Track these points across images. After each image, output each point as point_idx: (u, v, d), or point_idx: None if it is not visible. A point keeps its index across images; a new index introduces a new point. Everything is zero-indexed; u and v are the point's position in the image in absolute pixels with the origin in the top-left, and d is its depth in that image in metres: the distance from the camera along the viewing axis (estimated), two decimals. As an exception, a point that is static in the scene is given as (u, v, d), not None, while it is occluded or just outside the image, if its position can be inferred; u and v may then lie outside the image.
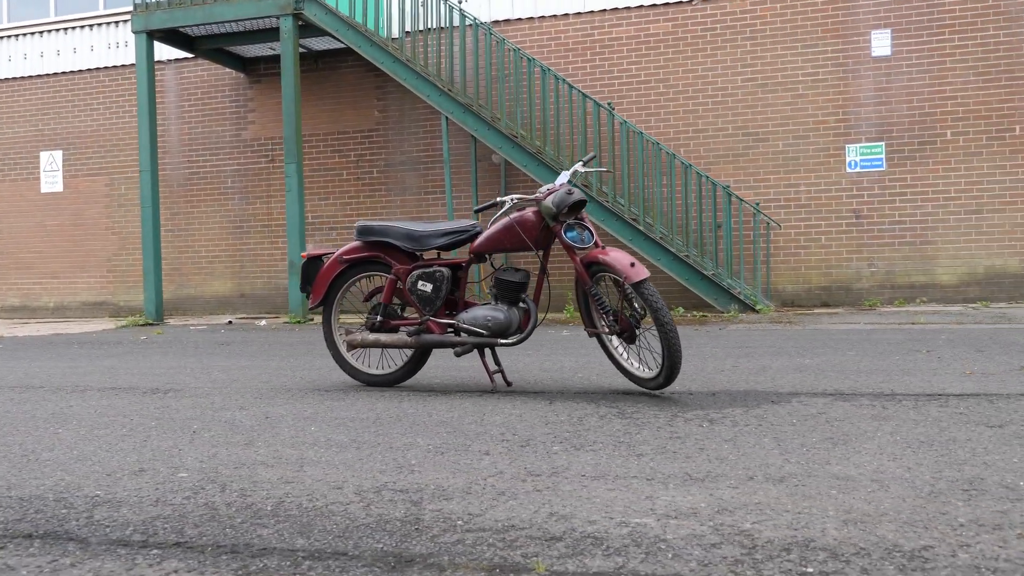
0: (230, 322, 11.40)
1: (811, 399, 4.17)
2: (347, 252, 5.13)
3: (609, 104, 10.72)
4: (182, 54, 13.28)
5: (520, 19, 12.04)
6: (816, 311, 10.27)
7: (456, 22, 11.25)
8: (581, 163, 4.88)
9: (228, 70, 13.26)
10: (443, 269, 4.84)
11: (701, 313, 10.03)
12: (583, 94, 10.56)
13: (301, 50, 12.49)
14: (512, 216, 4.72)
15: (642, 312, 4.47)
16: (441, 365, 5.91)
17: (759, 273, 10.73)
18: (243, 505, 2.57)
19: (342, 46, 12.32)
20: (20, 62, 14.59)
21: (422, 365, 5.04)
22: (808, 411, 3.85)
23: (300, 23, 10.97)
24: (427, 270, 4.85)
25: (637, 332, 4.45)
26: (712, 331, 7.97)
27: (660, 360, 4.35)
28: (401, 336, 4.91)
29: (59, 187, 14.29)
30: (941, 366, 5.17)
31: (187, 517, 2.46)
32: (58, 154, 14.25)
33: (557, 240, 4.67)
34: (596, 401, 4.30)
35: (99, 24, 14.09)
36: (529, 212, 4.71)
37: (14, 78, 14.67)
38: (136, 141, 13.72)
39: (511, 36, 11.86)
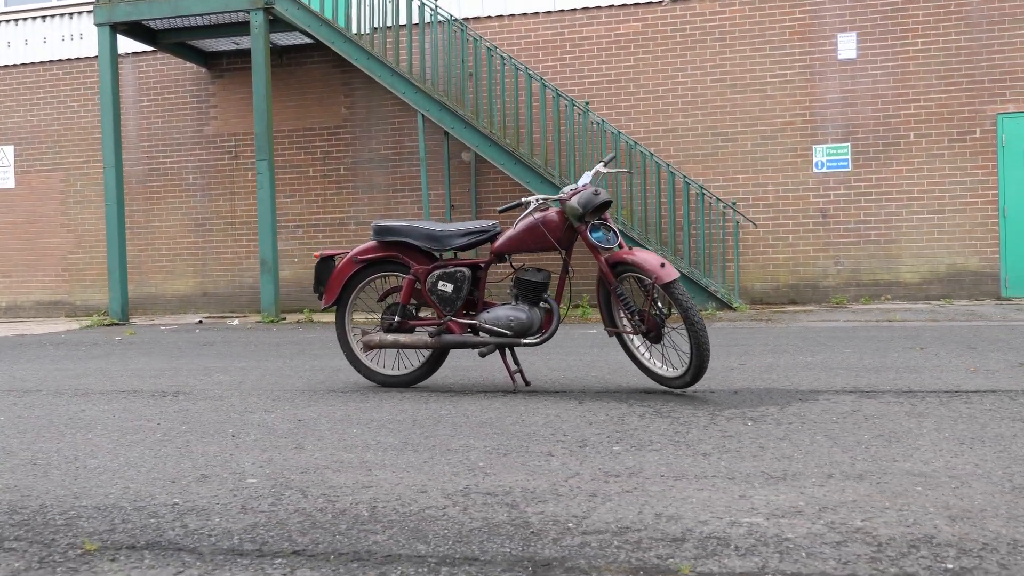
0: (200, 321, 11.18)
1: (836, 396, 4.26)
2: (362, 252, 5.08)
3: (585, 103, 10.79)
4: (140, 47, 12.96)
5: (490, 17, 12.03)
6: (788, 308, 10.48)
7: (428, 19, 11.19)
8: (602, 164, 4.91)
9: (189, 64, 12.99)
10: (464, 269, 4.82)
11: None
12: (557, 92, 10.61)
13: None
14: (536, 216, 4.73)
15: (667, 311, 4.52)
16: (449, 365, 5.89)
17: (726, 272, 10.90)
18: (337, 511, 2.54)
19: (307, 41, 12.16)
20: (-33, 53, 14.08)
21: (439, 366, 5.02)
22: (841, 409, 3.94)
23: (270, 18, 10.79)
24: (448, 270, 4.83)
25: (664, 331, 4.49)
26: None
27: (687, 359, 4.41)
28: (421, 336, 4.88)
29: (11, 183, 13.84)
30: (943, 363, 5.33)
31: (287, 524, 2.42)
32: (9, 149, 13.79)
33: (580, 240, 4.69)
34: (625, 400, 4.34)
35: (52, 15, 13.66)
36: (553, 212, 4.73)
37: (-39, 69, 14.15)
38: (93, 136, 13.36)
39: (481, 34, 11.82)
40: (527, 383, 4.85)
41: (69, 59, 13.58)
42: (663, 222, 10.74)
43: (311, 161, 12.71)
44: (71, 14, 13.53)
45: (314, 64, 12.61)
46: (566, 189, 4.73)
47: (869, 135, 11.06)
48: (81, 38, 13.44)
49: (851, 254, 11.12)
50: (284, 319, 10.87)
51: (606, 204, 4.60)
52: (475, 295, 4.89)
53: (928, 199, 10.92)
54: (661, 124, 11.61)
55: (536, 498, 2.61)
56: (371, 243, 5.10)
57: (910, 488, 2.60)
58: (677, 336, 4.73)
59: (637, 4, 11.70)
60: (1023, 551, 2.02)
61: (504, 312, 4.73)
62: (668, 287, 4.33)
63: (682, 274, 9.93)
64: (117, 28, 11.05)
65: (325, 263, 5.17)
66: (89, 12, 13.29)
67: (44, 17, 13.71)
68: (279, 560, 2.13)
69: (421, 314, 5.15)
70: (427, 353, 5.02)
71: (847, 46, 11.10)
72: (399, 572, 2.02)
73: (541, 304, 4.77)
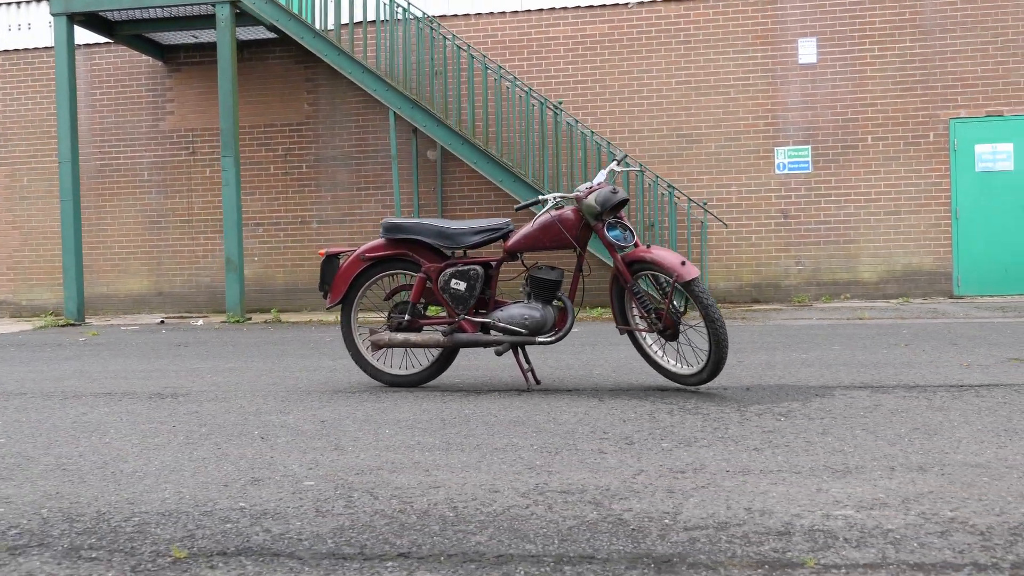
0: (161, 321, 10.89)
1: (850, 392, 4.35)
2: (370, 250, 5.01)
3: (559, 102, 10.82)
4: (93, 39, 12.57)
5: (456, 15, 11.97)
6: (756, 307, 10.66)
7: (394, 15, 11.09)
8: (615, 162, 4.92)
9: (145, 58, 12.65)
10: (477, 267, 4.79)
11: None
12: (527, 91, 10.61)
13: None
14: (552, 214, 4.72)
15: (682, 309, 4.56)
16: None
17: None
18: (418, 512, 2.50)
19: (270, 36, 11.96)
20: (-96, 42, 13.48)
21: (448, 366, 4.97)
22: (862, 403, 4.02)
23: (236, 12, 10.57)
24: (461, 268, 4.79)
25: (681, 329, 4.53)
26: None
27: (703, 356, 4.45)
28: (433, 335, 4.83)
29: (-48, 178, 13.29)
30: (933, 358, 5.48)
31: (374, 527, 2.37)
32: (-49, 143, 13.24)
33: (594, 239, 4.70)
34: (645, 397, 4.36)
35: (-3, 4, 13.17)
36: (568, 211, 4.73)
37: None
38: (41, 130, 12.92)
39: (447, 32, 11.75)
40: (537, 382, 4.84)
41: (16, 50, 13.10)
42: (632, 222, 10.82)
43: (272, 158, 12.49)
44: (19, 3, 13.06)
45: (276, 59, 12.39)
46: (581, 187, 4.74)
47: (828, 138, 11.31)
48: (30, 28, 12.98)
49: (811, 254, 11.36)
50: (250, 319, 10.66)
51: (623, 202, 4.61)
52: (487, 294, 4.86)
53: (885, 200, 11.22)
54: (627, 125, 11.70)
55: (615, 496, 2.60)
56: (379, 241, 5.03)
57: (976, 479, 2.67)
58: (691, 333, 4.75)
59: (604, 5, 11.77)
60: (1124, 538, 2.09)
61: (518, 310, 4.71)
62: (688, 285, 4.37)
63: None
64: (75, 19, 10.70)
65: (330, 261, 5.09)
66: (39, 1, 12.85)
67: (-12, 6, 13.20)
68: (389, 563, 2.08)
69: (428, 313, 5.10)
70: (436, 352, 4.97)
71: (807, 51, 11.34)
72: (522, 572, 2.00)
73: (554, 302, 4.76)
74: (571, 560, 2.06)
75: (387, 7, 10.92)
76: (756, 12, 11.45)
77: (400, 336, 4.87)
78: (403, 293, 5.13)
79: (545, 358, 6.02)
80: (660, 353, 4.75)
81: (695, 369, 4.53)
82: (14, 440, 3.73)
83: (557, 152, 10.77)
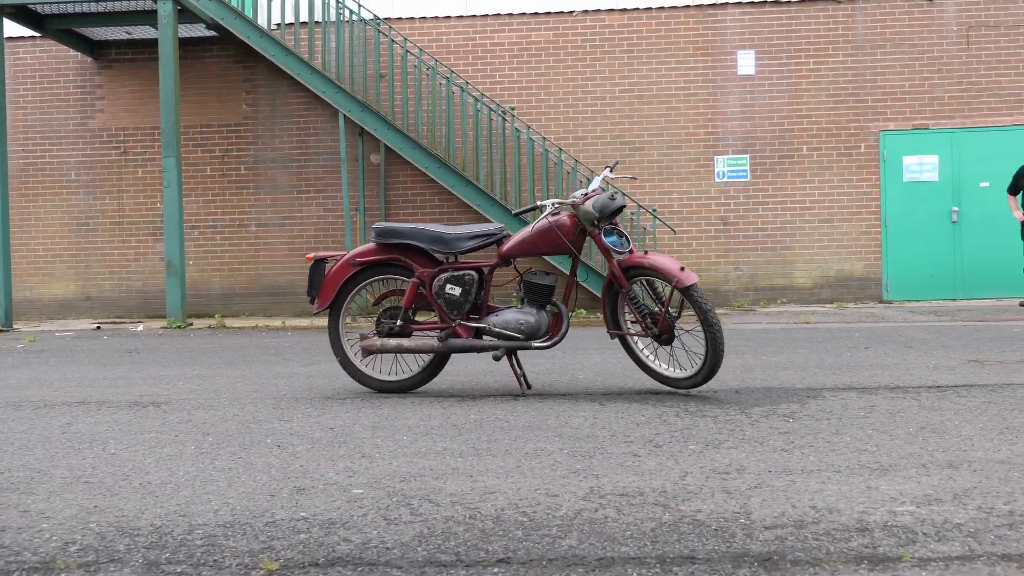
0: (98, 327, 10.50)
1: (839, 393, 4.50)
2: (360, 255, 4.95)
3: (511, 108, 10.87)
4: (16, 31, 12.04)
5: (400, 18, 11.90)
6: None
7: (340, 16, 10.98)
8: (608, 169, 5.00)
9: (73, 53, 12.18)
10: (472, 272, 4.79)
11: (598, 313, 10.38)
12: (476, 97, 10.63)
13: (158, 36, 11.70)
14: (550, 220, 4.76)
15: (676, 314, 4.65)
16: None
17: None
18: (492, 518, 2.50)
19: (207, 34, 11.67)
20: None
21: (439, 371, 4.96)
22: (857, 404, 4.17)
23: (178, 8, 10.28)
24: (456, 273, 4.78)
25: (676, 334, 4.62)
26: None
27: (701, 360, 4.54)
28: (427, 341, 4.81)
29: None
30: (899, 361, 5.71)
31: (455, 534, 2.36)
32: None
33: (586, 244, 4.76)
34: (642, 401, 4.43)
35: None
36: (565, 216, 4.77)
37: None
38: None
39: (391, 35, 11.68)
40: (529, 386, 4.86)
41: (-69, 42, 12.44)
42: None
43: (209, 159, 12.18)
44: (-64, -7, 12.40)
45: (213, 58, 12.10)
46: (577, 194, 4.79)
47: (766, 148, 11.66)
48: (-54, 20, 12.33)
49: (750, 260, 11.68)
50: (191, 324, 10.37)
51: (620, 209, 4.68)
52: (479, 299, 4.86)
53: (819, 209, 11.62)
54: (571, 131, 11.82)
55: (675, 497, 2.65)
56: (369, 246, 4.98)
57: (1007, 474, 2.81)
58: (683, 337, 4.84)
59: (549, 13, 11.87)
60: None
61: (513, 316, 4.73)
62: (687, 290, 4.46)
63: (603, 276, 10.15)
64: (3, 11, 10.24)
65: (318, 266, 5.01)
66: (-43, -8, 12.23)
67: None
68: (494, 569, 2.08)
69: (416, 318, 5.06)
70: (427, 358, 4.95)
71: (746, 63, 11.67)
72: (636, 574, 2.02)
73: (548, 307, 4.80)
74: (674, 561, 2.10)
75: (334, 8, 10.79)
76: (697, 24, 11.72)
77: (393, 341, 4.82)
78: (393, 299, 5.09)
79: (524, 363, 6.04)
80: (652, 357, 4.83)
81: (689, 373, 4.62)
82: (10, 452, 3.56)
83: (504, 157, 10.81)
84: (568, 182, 11.06)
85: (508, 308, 4.83)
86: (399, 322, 4.87)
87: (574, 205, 4.74)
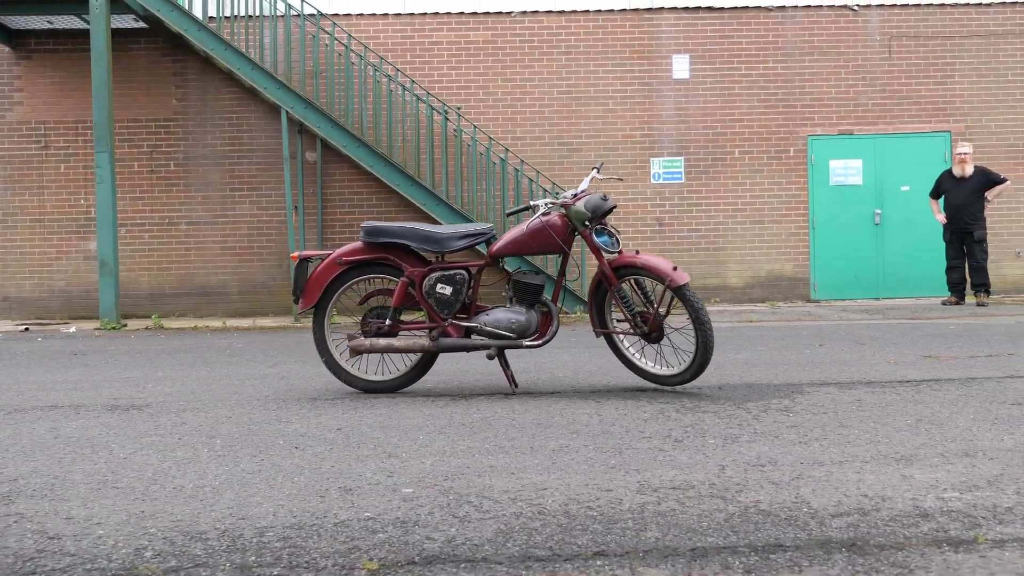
0: (26, 329, 10.02)
1: (821, 388, 4.69)
2: (347, 254, 4.90)
3: (457, 108, 10.86)
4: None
5: (336, 14, 11.75)
6: (637, 311, 11.08)
7: (277, 11, 10.78)
8: (596, 170, 5.08)
9: (-11, 42, 11.62)
10: (463, 272, 4.80)
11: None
12: (417, 96, 10.59)
13: (83, 27, 11.28)
14: (542, 220, 4.80)
15: (664, 313, 4.76)
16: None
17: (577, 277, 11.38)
18: (561, 512, 2.53)
19: (134, 26, 11.29)
20: None
21: (427, 371, 4.95)
22: (844, 399, 4.35)
23: (111, -1, 9.92)
24: (448, 273, 4.78)
25: (666, 332, 4.73)
26: (587, 331, 8.37)
27: (690, 357, 4.65)
28: (419, 340, 4.79)
29: None
30: (859, 357, 5.96)
31: (533, 529, 2.39)
32: None
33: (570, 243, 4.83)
34: (635, 398, 4.52)
35: None
36: (555, 216, 4.83)
37: None
38: None
39: (335, 31, 11.53)
40: (516, 385, 4.90)
41: None
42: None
43: (136, 155, 11.78)
44: None
45: (141, 51, 11.71)
46: (567, 194, 4.86)
47: (700, 150, 11.96)
48: None
49: (684, 260, 11.95)
50: (125, 325, 10.02)
51: (611, 209, 4.77)
52: (469, 298, 4.87)
53: (750, 211, 11.99)
54: (510, 132, 11.88)
55: (728, 489, 2.73)
56: (356, 245, 4.93)
57: (1022, 462, 2.99)
58: (671, 335, 4.94)
59: (487, 13, 11.91)
60: None
61: (504, 315, 4.76)
62: (680, 290, 4.57)
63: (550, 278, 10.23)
64: (-82, -4, 9.70)
65: (303, 265, 4.93)
66: None
67: None
68: (598, 561, 2.12)
69: (402, 318, 5.03)
70: (415, 358, 4.93)
71: (681, 67, 11.94)
72: (738, 563, 2.09)
73: (537, 306, 4.84)
74: (765, 549, 2.17)
75: (268, 2, 10.58)
76: (633, 27, 11.94)
77: (383, 341, 4.79)
78: (380, 298, 5.05)
79: (486, 362, 6.06)
80: (638, 355, 4.92)
81: (677, 370, 4.73)
82: (11, 458, 3.41)
83: (446, 157, 10.80)
84: (513, 183, 11.12)
85: (497, 307, 4.86)
86: (388, 321, 4.84)
87: (565, 206, 4.80)
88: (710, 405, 4.27)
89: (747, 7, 11.90)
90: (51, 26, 11.40)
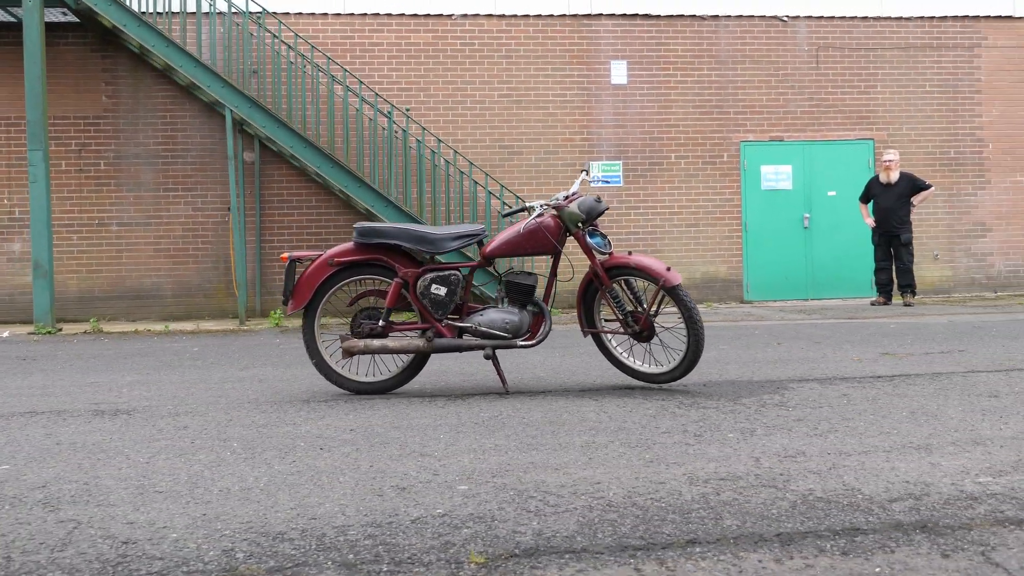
0: (-48, 334, 9.55)
1: (805, 384, 4.88)
2: (339, 255, 4.87)
3: (406, 109, 10.82)
4: None
5: (275, 13, 11.55)
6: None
7: (219, 7, 10.56)
8: (585, 173, 5.19)
9: (-97, 32, 11.02)
10: (457, 272, 4.82)
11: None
12: (361, 97, 10.52)
13: (9, 19, 10.83)
14: (537, 221, 4.86)
15: (655, 312, 4.88)
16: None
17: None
18: (634, 505, 2.60)
19: (62, 20, 10.89)
20: None
21: (418, 372, 4.95)
22: (831, 394, 4.55)
23: (44, -10, 9.55)
24: (442, 273, 4.79)
25: (657, 331, 4.85)
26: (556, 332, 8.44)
27: (679, 355, 4.78)
28: (413, 341, 4.79)
29: None
30: (824, 355, 6.22)
31: (617, 521, 2.45)
32: None
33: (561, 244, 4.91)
34: (629, 395, 4.63)
35: None
36: (548, 218, 4.90)
37: None
38: None
39: (267, 30, 11.34)
40: (506, 384, 4.94)
41: None
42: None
43: (64, 154, 11.35)
44: None
45: (69, 46, 11.28)
46: (559, 196, 4.94)
47: (638, 155, 12.21)
48: None
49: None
50: (61, 330, 9.65)
51: (604, 211, 4.87)
52: (461, 299, 4.90)
53: (686, 214, 12.30)
54: (451, 134, 11.89)
55: (775, 479, 2.85)
56: (348, 246, 4.90)
57: (1030, 449, 3.21)
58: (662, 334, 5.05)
59: (428, 15, 11.91)
60: None
61: (498, 315, 4.81)
62: (673, 290, 4.70)
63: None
64: None
65: (293, 266, 4.88)
66: None
67: None
68: (696, 549, 2.20)
69: (392, 319, 5.02)
70: (407, 359, 4.93)
71: (619, 73, 12.18)
72: (829, 546, 2.20)
73: (528, 307, 4.90)
74: (845, 533, 2.29)
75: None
76: (572, 33, 12.11)
77: (377, 342, 4.77)
78: (369, 299, 5.03)
79: (473, 361, 6.10)
80: (626, 354, 5.03)
81: (666, 368, 4.85)
82: (24, 465, 3.29)
83: (391, 159, 10.76)
84: (456, 185, 11.14)
85: (490, 308, 4.90)
86: (382, 322, 4.82)
87: (558, 208, 4.88)
88: (707, 401, 4.40)
89: (682, 15, 12.21)
90: (-27, 18, 10.89)
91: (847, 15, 12.35)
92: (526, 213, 4.99)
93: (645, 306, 4.87)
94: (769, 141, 12.32)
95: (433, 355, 5.94)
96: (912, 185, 10.71)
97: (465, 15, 11.97)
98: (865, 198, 11.08)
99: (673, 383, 4.97)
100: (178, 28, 10.60)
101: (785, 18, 12.29)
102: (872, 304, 10.95)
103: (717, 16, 12.25)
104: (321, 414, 4.28)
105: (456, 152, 10.98)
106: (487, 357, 4.76)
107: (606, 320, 5.08)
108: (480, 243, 4.97)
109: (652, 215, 12.24)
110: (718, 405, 4.27)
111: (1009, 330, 7.59)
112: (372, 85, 11.72)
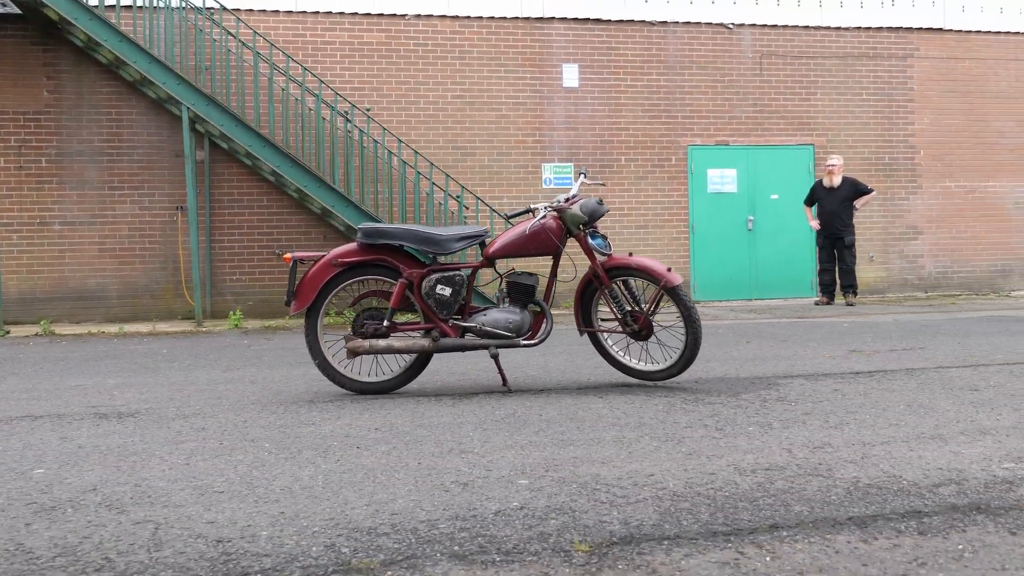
0: None
1: (791, 380, 5.10)
2: (342, 255, 4.88)
3: (367, 109, 10.78)
4: None
5: (225, 9, 11.37)
6: (537, 312, 11.37)
7: (167, 2, 10.37)
8: (583, 175, 5.31)
9: None
10: (462, 272, 4.89)
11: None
12: (317, 96, 10.45)
13: (-56, 9, 10.41)
14: (541, 223, 4.96)
15: (653, 311, 5.04)
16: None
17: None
18: (694, 495, 2.72)
19: (0, 11, 10.52)
20: None
21: (421, 372, 5.00)
22: (824, 389, 4.76)
23: (-10, -20, 9.22)
24: (447, 274, 4.85)
25: (655, 330, 5.00)
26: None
27: (677, 353, 4.94)
28: (418, 340, 4.83)
29: None
30: (795, 352, 6.47)
31: (689, 511, 2.57)
32: None
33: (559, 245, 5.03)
34: (634, 392, 4.77)
35: None
36: (550, 219, 5.00)
37: None
38: None
39: (217, 27, 11.16)
40: (507, 383, 5.03)
41: None
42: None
43: (3, 150, 10.95)
44: None
45: (7, 38, 10.90)
46: (560, 198, 5.05)
47: (589, 157, 12.41)
48: None
49: (574, 262, 12.33)
50: (8, 332, 9.33)
51: (605, 213, 5.00)
52: (464, 299, 4.96)
53: (636, 215, 12.55)
54: (404, 135, 11.86)
55: (818, 468, 3.01)
56: (351, 246, 4.92)
57: (1034, 437, 3.45)
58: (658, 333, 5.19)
59: (381, 15, 11.88)
60: None
61: (502, 315, 4.89)
62: (674, 290, 4.85)
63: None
64: None
65: (296, 267, 4.87)
66: None
67: None
68: (781, 533, 2.33)
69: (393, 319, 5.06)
70: (410, 359, 4.97)
71: (571, 76, 12.35)
72: (903, 527, 2.35)
73: (529, 307, 5.00)
74: (909, 515, 2.45)
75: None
76: (525, 35, 12.24)
77: (383, 342, 4.81)
78: (370, 299, 5.06)
79: (464, 361, 6.16)
80: (622, 353, 5.17)
81: (664, 365, 5.01)
82: (56, 467, 3.24)
83: (349, 159, 10.72)
84: (416, 187, 11.15)
85: (492, 308, 4.98)
86: (386, 322, 4.86)
87: (560, 210, 4.99)
88: (710, 398, 4.57)
89: (632, 20, 12.45)
90: (-96, 6, 10.43)
91: (789, 24, 12.78)
92: (530, 215, 5.08)
93: (642, 305, 5.01)
94: (715, 145, 12.66)
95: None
96: (855, 189, 11.15)
97: (418, 15, 11.99)
98: (810, 201, 11.49)
99: (666, 381, 5.12)
100: (130, 23, 10.36)
101: (731, 26, 12.65)
102: (815, 304, 11.36)
103: (666, 22, 12.53)
104: (334, 414, 4.30)
105: (417, 152, 10.97)
106: (493, 356, 4.84)
107: (602, 320, 5.21)
108: (482, 244, 5.05)
109: (603, 217, 12.40)
110: (722, 401, 4.44)
111: (954, 328, 8.00)
112: (325, 84, 11.64)
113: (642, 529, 2.39)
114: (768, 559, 2.14)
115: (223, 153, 11.20)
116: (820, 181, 11.43)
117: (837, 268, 11.24)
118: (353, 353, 4.82)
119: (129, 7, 10.48)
